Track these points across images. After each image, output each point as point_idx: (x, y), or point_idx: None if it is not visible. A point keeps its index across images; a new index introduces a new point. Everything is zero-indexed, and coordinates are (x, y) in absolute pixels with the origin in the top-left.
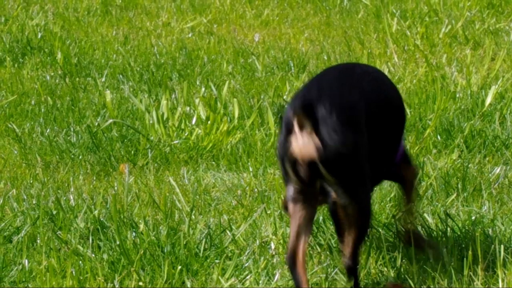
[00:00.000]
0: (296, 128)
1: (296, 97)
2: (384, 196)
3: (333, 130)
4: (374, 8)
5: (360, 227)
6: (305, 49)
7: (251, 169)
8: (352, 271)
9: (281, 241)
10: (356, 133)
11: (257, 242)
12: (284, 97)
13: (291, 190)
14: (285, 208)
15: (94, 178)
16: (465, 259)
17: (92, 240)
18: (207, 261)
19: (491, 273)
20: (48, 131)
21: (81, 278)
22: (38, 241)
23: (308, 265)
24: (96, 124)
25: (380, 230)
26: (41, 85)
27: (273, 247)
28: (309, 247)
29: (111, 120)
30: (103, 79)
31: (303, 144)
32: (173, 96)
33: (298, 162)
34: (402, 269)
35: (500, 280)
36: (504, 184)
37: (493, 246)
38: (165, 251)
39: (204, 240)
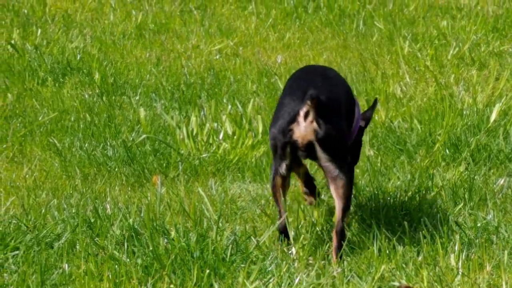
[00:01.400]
0: (301, 117)
1: (294, 93)
2: (397, 205)
3: (326, 118)
4: (388, 32)
5: (346, 197)
6: None
7: None
8: (343, 234)
9: (302, 247)
10: (341, 120)
11: (280, 248)
12: None
13: (283, 167)
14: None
15: (129, 189)
16: (471, 263)
17: (127, 246)
18: (233, 265)
19: (496, 276)
20: (86, 145)
21: (117, 281)
22: (77, 247)
23: (325, 267)
24: (131, 139)
25: (394, 238)
26: (80, 103)
27: (294, 252)
28: (328, 252)
29: (144, 136)
30: (137, 98)
31: (305, 130)
32: (202, 113)
33: (298, 144)
34: (413, 273)
35: (503, 283)
36: (508, 195)
37: (497, 251)
38: (195, 256)
39: (230, 246)
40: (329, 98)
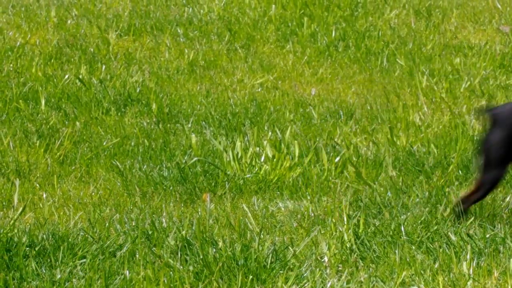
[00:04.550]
0: None
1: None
2: (416, 219)
3: None
4: (408, 68)
5: None
6: (352, 101)
7: (308, 198)
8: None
9: (333, 256)
10: None
11: (314, 256)
12: (335, 139)
13: (503, 170)
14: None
15: (182, 205)
16: (481, 269)
17: (181, 255)
18: (273, 272)
19: (503, 281)
20: (145, 167)
21: (172, 285)
22: (137, 255)
23: (354, 274)
24: (184, 161)
25: (413, 247)
26: (139, 130)
27: (326, 260)
28: (356, 260)
29: (196, 158)
30: (189, 125)
31: None
32: (245, 138)
33: None
34: (430, 278)
35: (510, 287)
36: None
37: (504, 259)
38: (239, 263)
39: (271, 255)
40: None
